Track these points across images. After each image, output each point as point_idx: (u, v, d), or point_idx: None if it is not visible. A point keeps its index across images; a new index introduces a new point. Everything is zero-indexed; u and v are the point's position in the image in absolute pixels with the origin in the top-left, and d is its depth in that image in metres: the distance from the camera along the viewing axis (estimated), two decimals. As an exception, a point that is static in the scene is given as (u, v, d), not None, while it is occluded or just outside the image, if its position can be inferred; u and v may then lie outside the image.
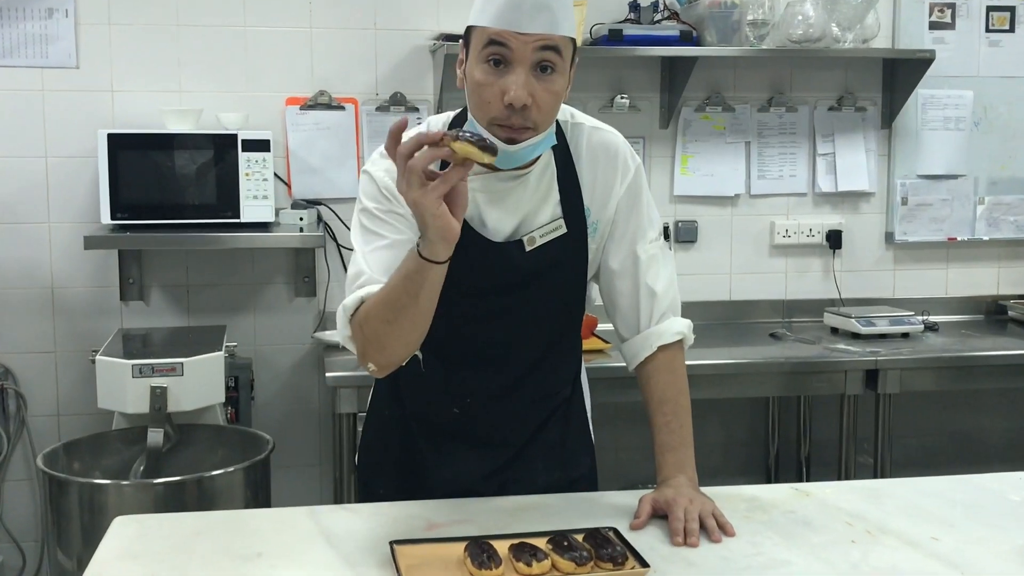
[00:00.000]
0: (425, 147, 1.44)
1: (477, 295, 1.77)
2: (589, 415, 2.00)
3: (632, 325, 1.86)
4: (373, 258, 1.67)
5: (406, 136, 1.49)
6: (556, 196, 1.78)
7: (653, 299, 1.85)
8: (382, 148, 1.68)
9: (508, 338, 1.82)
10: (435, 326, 1.67)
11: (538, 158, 1.74)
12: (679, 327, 1.86)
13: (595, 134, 1.84)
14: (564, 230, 1.78)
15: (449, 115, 1.83)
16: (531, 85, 1.59)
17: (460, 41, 1.70)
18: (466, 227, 1.68)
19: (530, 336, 1.83)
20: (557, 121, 1.78)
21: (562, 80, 1.64)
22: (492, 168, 1.67)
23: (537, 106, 1.60)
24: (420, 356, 1.80)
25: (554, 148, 1.76)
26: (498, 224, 1.75)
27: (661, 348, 1.84)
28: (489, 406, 1.85)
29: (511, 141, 1.60)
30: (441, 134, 1.43)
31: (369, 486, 1.97)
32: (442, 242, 1.49)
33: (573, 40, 1.67)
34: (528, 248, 1.76)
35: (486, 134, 1.58)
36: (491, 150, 1.46)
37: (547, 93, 1.61)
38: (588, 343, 2.04)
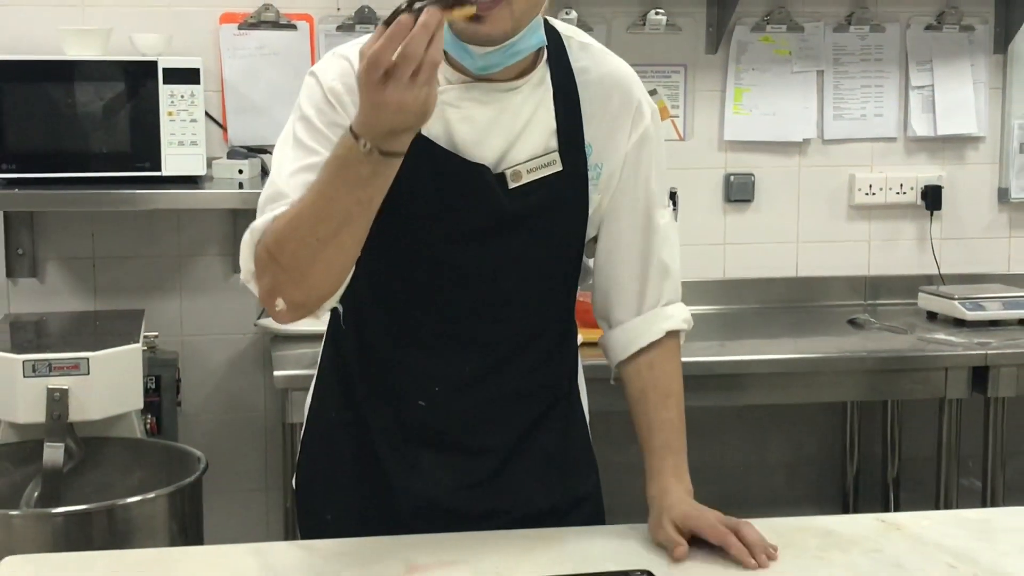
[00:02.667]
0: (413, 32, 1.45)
1: (447, 241, 1.79)
2: (588, 423, 2.03)
3: (631, 306, 1.93)
4: (299, 180, 1.68)
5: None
6: (551, 123, 1.81)
7: (666, 277, 1.93)
8: (337, 49, 1.77)
9: (485, 308, 1.84)
10: (391, 290, 1.72)
11: (530, 70, 1.78)
12: (686, 314, 1.96)
13: (607, 61, 1.89)
14: (559, 167, 1.81)
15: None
16: None
17: None
18: (432, 148, 1.72)
19: (511, 306, 1.86)
20: (559, 33, 1.83)
21: None
22: (472, 77, 1.74)
23: None
24: (340, 308, 1.82)
25: (553, 66, 1.81)
26: (473, 149, 1.77)
27: (667, 335, 1.91)
28: (463, 399, 1.87)
29: (476, 18, 1.61)
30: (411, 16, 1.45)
31: (312, 512, 1.98)
32: (418, 124, 1.53)
33: None
34: (512, 184, 1.78)
35: None
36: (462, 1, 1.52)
37: None
38: (585, 333, 2.06)
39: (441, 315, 1.84)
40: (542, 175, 1.80)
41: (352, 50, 1.74)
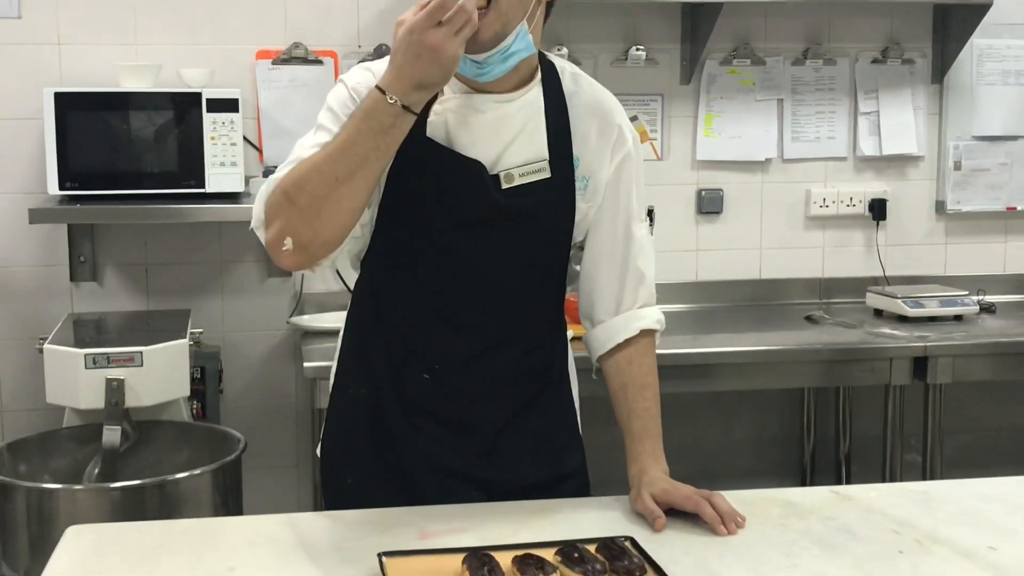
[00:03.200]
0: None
1: (446, 230, 1.80)
2: (578, 407, 2.04)
3: (610, 307, 1.95)
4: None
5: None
6: (542, 135, 1.83)
7: (641, 283, 1.95)
8: (363, 63, 1.83)
9: (479, 296, 1.85)
10: (399, 275, 1.76)
11: (525, 87, 1.80)
12: (659, 316, 1.97)
13: (593, 89, 1.92)
14: (548, 174, 1.83)
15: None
16: None
17: None
18: (433, 147, 1.76)
19: (501, 295, 1.86)
20: (553, 64, 1.87)
21: None
22: (473, 89, 1.77)
23: None
24: (338, 270, 1.83)
25: (547, 88, 1.84)
26: (469, 150, 1.79)
27: (643, 332, 1.93)
28: (461, 376, 1.88)
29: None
30: None
31: (334, 476, 1.98)
32: (443, 81, 1.62)
33: None
34: (504, 185, 1.80)
35: None
36: None
37: None
38: (576, 329, 2.07)
39: (442, 298, 1.85)
40: (532, 179, 1.82)
41: (377, 66, 1.78)
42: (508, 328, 1.89)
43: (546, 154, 1.83)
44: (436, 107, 1.77)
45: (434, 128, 1.77)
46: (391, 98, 1.59)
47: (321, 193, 1.64)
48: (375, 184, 1.69)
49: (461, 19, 1.56)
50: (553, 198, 1.85)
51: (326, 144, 1.67)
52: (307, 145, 1.74)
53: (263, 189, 1.72)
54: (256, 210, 1.73)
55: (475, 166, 1.78)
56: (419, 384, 1.88)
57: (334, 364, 2.01)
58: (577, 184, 1.87)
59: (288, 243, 1.67)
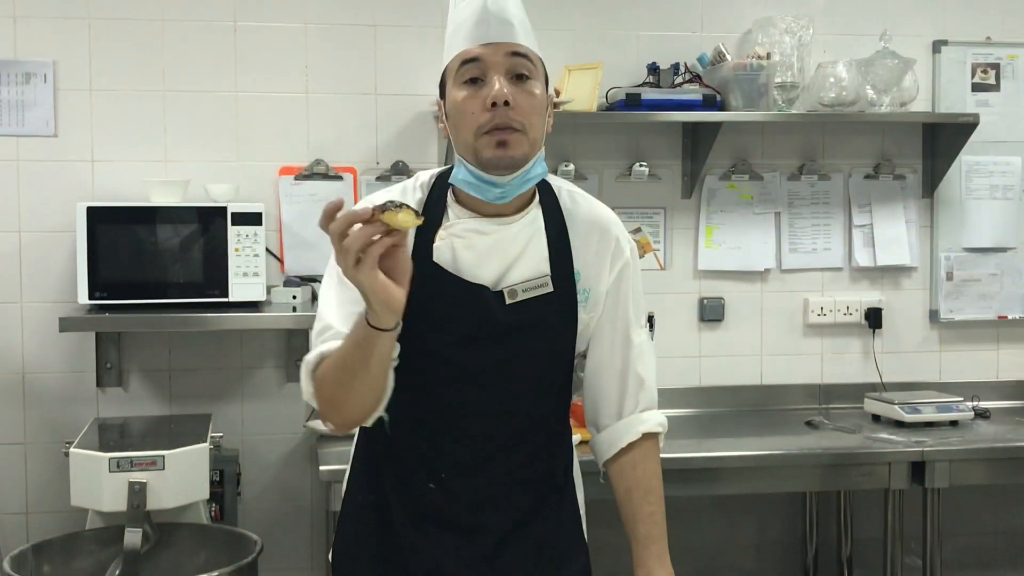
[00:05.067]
0: (357, 225, 1.55)
1: (451, 345, 1.84)
2: (583, 511, 2.04)
3: (613, 412, 1.98)
4: (343, 312, 1.78)
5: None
6: (544, 252, 1.88)
7: (641, 388, 1.97)
8: (371, 196, 1.84)
9: (484, 405, 1.87)
10: (410, 388, 1.78)
11: (525, 209, 1.87)
12: (661, 419, 1.99)
13: (591, 205, 1.98)
14: (550, 288, 1.87)
15: (437, 170, 1.96)
16: (510, 89, 1.76)
17: (437, 96, 1.89)
18: (439, 271, 1.82)
19: (509, 404, 1.89)
20: (550, 185, 1.93)
21: (540, 88, 1.81)
22: (476, 213, 1.83)
23: (519, 108, 1.77)
24: (386, 418, 1.84)
25: (545, 207, 1.90)
26: (474, 270, 1.84)
27: (645, 436, 1.95)
28: (466, 483, 1.89)
29: (501, 144, 1.76)
30: (370, 210, 1.55)
31: None
32: (387, 312, 1.61)
33: (543, 63, 1.85)
34: (508, 301, 1.84)
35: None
36: (415, 212, 1.57)
37: (526, 96, 1.78)
38: (583, 433, 2.10)
39: (448, 408, 1.88)
40: (535, 294, 1.86)
41: (380, 197, 1.82)
42: (512, 435, 1.91)
43: (548, 270, 1.87)
44: (441, 232, 1.84)
45: (440, 253, 1.83)
46: (364, 312, 1.63)
47: (336, 394, 1.74)
48: (378, 384, 1.73)
49: (348, 259, 1.55)
50: (556, 311, 1.88)
51: (334, 352, 1.73)
52: (332, 304, 1.81)
53: (303, 367, 1.79)
54: (304, 383, 1.79)
55: (478, 290, 1.83)
56: (425, 492, 1.90)
57: (347, 471, 2.04)
58: (579, 296, 1.91)
59: (329, 426, 1.80)
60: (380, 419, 1.82)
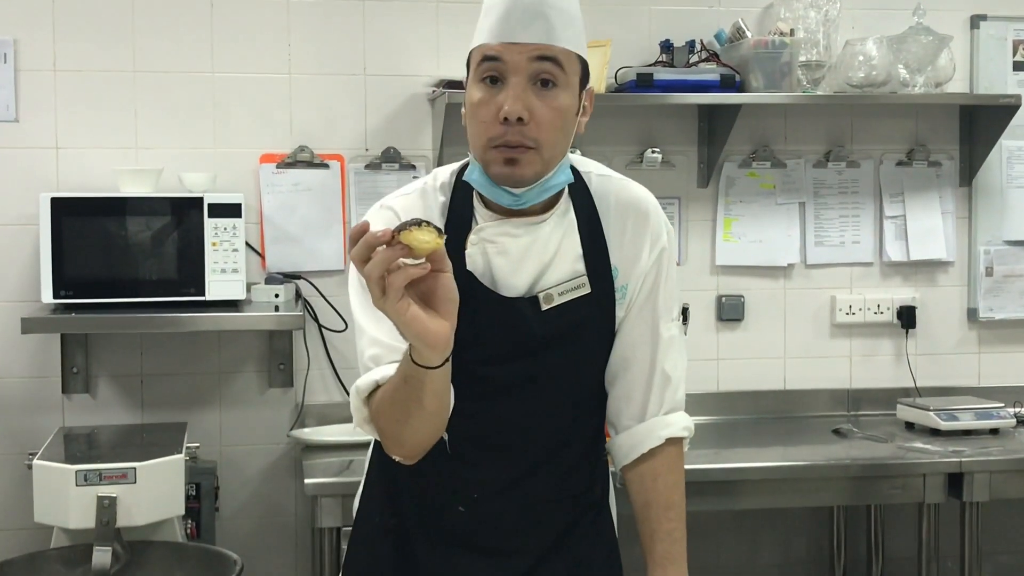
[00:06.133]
0: (381, 247, 1.49)
1: (482, 363, 1.81)
2: (616, 530, 2.02)
3: (636, 412, 1.93)
4: (386, 327, 1.71)
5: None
6: (578, 250, 1.85)
7: (667, 386, 1.93)
8: (384, 201, 1.87)
9: (519, 418, 1.86)
10: None
11: (555, 204, 1.83)
12: (687, 422, 1.95)
13: (626, 188, 1.94)
14: (588, 289, 1.85)
15: (455, 166, 1.91)
16: (528, 99, 1.71)
17: (465, 74, 1.83)
18: (472, 282, 1.77)
19: (545, 417, 1.87)
20: (579, 173, 1.88)
21: (567, 97, 1.75)
22: (503, 213, 1.80)
23: (536, 122, 1.71)
24: (446, 437, 1.82)
25: (575, 198, 1.86)
26: (510, 278, 1.82)
27: (669, 441, 1.91)
28: (500, 503, 1.87)
29: (510, 162, 1.71)
30: (389, 232, 1.49)
31: None
32: (425, 348, 1.55)
33: (582, 58, 1.77)
34: (545, 307, 1.82)
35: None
36: (437, 230, 1.52)
37: (547, 108, 1.72)
38: (614, 445, 2.05)
39: (480, 425, 1.85)
40: (572, 297, 1.84)
41: (395, 201, 1.85)
42: (548, 449, 1.89)
43: (583, 268, 1.85)
44: (472, 237, 1.81)
45: (472, 260, 1.80)
46: (409, 348, 1.60)
47: (395, 430, 1.72)
48: (440, 413, 1.70)
49: (373, 289, 1.51)
50: (594, 313, 1.87)
51: (385, 387, 1.70)
52: (372, 326, 1.77)
53: (354, 394, 1.76)
54: (355, 409, 1.76)
55: (513, 304, 1.81)
56: (455, 516, 1.88)
57: (359, 491, 2.02)
58: (616, 294, 1.89)
59: (396, 457, 1.76)
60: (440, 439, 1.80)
